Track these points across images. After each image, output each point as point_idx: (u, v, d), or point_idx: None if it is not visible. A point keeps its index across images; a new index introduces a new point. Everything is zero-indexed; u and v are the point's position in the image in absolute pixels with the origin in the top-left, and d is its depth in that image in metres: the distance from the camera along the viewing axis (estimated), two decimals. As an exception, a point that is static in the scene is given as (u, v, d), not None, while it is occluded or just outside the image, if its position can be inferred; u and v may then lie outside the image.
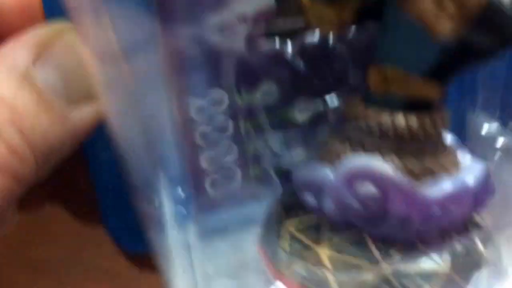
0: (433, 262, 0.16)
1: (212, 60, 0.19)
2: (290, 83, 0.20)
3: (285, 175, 0.20)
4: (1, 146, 0.14)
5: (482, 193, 0.16)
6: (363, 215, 0.16)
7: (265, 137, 0.21)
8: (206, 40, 0.19)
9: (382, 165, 0.15)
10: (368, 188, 0.15)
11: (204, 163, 0.20)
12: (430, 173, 0.16)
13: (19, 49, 0.14)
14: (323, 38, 0.20)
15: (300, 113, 0.21)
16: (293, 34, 0.20)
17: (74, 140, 0.15)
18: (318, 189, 0.16)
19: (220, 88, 0.20)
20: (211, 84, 0.19)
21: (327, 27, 0.17)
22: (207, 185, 0.20)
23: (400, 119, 0.16)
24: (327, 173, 0.16)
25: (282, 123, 0.21)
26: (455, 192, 0.16)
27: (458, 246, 0.16)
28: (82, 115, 0.15)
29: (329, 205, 0.16)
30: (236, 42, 0.19)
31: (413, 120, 0.16)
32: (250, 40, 0.20)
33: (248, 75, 0.20)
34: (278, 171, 0.21)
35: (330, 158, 0.17)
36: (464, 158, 0.17)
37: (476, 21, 0.14)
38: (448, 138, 0.18)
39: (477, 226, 0.17)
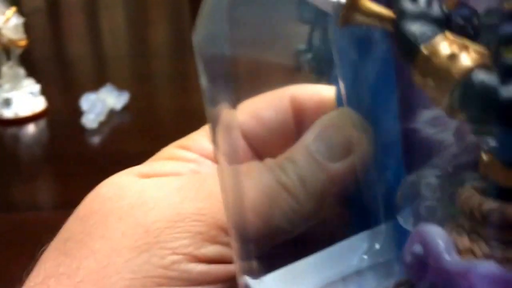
0: None
1: (425, 149, 0.22)
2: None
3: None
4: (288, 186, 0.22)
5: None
6: (408, 272, 0.17)
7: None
8: (420, 132, 0.22)
9: (438, 233, 0.17)
10: (418, 249, 0.17)
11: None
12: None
13: (309, 131, 0.23)
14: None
15: None
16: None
17: (334, 184, 0.23)
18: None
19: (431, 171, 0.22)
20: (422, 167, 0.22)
21: None
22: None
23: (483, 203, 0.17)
24: None
25: None
26: (495, 277, 0.16)
27: None
28: (339, 166, 0.22)
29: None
30: (446, 135, 0.21)
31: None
32: (459, 134, 0.21)
33: (455, 166, 0.21)
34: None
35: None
36: None
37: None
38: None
39: None
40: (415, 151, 0.22)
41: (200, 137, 0.27)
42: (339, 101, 0.24)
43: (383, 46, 0.21)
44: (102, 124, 0.67)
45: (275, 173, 0.23)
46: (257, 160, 0.25)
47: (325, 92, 0.25)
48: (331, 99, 0.24)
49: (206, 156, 0.26)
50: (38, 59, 0.90)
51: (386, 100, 0.22)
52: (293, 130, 0.25)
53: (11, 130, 0.70)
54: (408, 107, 0.22)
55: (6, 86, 0.69)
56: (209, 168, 0.25)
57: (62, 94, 0.79)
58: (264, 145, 0.25)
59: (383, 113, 0.22)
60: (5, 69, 0.69)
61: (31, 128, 0.70)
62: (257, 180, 0.22)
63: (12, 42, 0.67)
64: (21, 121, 0.69)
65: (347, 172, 0.23)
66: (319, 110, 0.25)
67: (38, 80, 0.72)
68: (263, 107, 0.26)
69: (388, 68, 0.22)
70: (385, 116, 0.22)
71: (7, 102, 0.69)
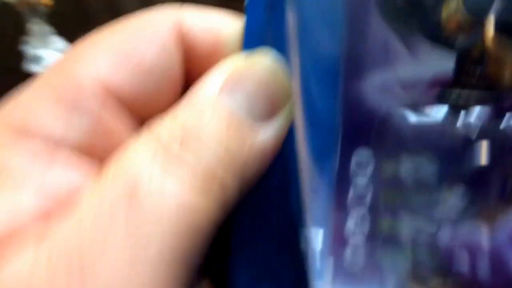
0: None
1: (367, 119, 0.18)
2: (450, 160, 0.19)
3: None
4: (206, 175, 0.14)
5: None
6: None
7: (403, 214, 0.19)
8: (365, 99, 0.18)
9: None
10: None
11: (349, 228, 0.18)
12: None
13: (212, 80, 0.16)
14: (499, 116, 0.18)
15: (452, 195, 0.18)
16: (466, 107, 0.18)
17: (264, 157, 0.16)
18: (472, 251, 0.16)
19: (368, 150, 0.19)
20: (360, 143, 0.18)
21: None
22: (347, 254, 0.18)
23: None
24: (484, 233, 0.16)
25: (429, 202, 0.19)
26: None
27: None
28: (268, 132, 0.16)
29: (483, 267, 0.15)
30: (398, 106, 0.18)
31: None
32: (415, 107, 0.18)
33: (403, 142, 0.19)
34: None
35: (488, 216, 0.16)
36: None
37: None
38: None
39: None
40: (356, 121, 0.18)
41: (45, 108, 0.16)
42: (249, 38, 0.17)
43: None
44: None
45: (167, 164, 0.15)
46: (134, 124, 0.17)
47: (225, 24, 0.18)
48: (234, 35, 0.18)
49: (62, 143, 0.16)
50: (67, 16, 0.92)
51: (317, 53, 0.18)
52: (181, 78, 0.18)
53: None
54: (356, 66, 0.18)
55: (34, 43, 0.71)
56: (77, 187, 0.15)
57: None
58: (141, 100, 0.17)
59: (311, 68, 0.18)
60: (32, 27, 0.71)
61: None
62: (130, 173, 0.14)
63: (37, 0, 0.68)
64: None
65: (279, 138, 0.16)
66: (218, 50, 0.18)
67: (65, 37, 0.74)
68: (138, 41, 0.17)
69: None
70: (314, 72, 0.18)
71: (36, 59, 0.71)
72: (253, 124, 0.16)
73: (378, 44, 0.18)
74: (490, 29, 0.17)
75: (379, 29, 0.18)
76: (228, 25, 0.18)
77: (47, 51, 0.71)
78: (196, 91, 0.16)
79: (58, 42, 0.73)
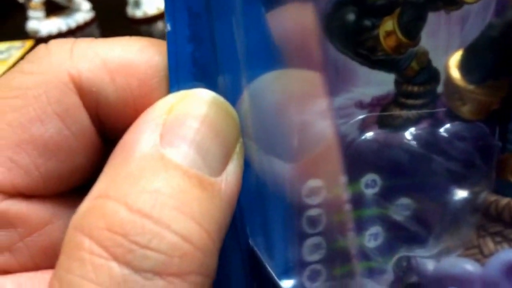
0: None
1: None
2: (396, 176, 0.19)
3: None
4: (178, 240, 0.13)
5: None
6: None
7: (363, 232, 0.19)
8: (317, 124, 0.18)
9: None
10: None
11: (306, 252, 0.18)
12: None
13: (142, 133, 0.13)
14: (436, 128, 0.19)
15: (401, 211, 0.20)
16: (407, 124, 0.19)
17: (232, 204, 0.14)
18: (463, 284, 0.17)
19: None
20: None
21: (475, 112, 0.17)
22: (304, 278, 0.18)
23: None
24: (474, 267, 0.17)
25: (382, 219, 0.20)
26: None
27: None
28: (228, 177, 0.14)
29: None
30: (350, 128, 0.19)
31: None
32: (363, 127, 0.19)
33: (355, 163, 0.19)
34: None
35: (473, 252, 0.17)
36: None
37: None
38: None
39: None
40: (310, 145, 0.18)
41: None
42: (175, 73, 0.15)
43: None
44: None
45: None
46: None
47: (139, 56, 0.15)
48: (153, 69, 0.15)
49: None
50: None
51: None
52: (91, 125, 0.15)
53: (144, 28, 0.78)
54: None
55: (134, -11, 0.76)
56: None
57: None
58: None
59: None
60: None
61: (159, 25, 0.76)
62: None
63: None
64: (151, 20, 0.76)
65: (240, 179, 0.15)
66: (140, 88, 0.15)
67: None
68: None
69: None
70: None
71: (136, 4, 0.76)
72: (212, 176, 0.14)
73: (330, 67, 0.18)
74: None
75: (329, 53, 0.18)
76: (143, 56, 0.15)
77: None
78: (131, 147, 0.13)
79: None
